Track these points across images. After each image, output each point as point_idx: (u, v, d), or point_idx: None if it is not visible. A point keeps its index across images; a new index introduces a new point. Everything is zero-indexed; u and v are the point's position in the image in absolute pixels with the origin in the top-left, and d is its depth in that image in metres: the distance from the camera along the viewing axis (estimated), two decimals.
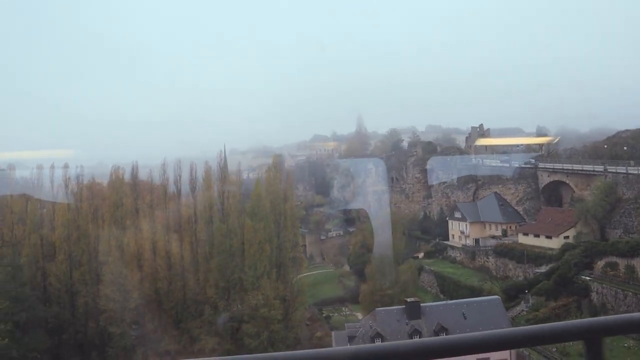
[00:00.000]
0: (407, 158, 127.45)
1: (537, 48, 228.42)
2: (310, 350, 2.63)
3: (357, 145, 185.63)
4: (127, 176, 73.59)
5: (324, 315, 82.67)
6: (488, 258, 78.72)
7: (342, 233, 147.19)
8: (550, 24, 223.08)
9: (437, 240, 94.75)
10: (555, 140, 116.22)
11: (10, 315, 58.45)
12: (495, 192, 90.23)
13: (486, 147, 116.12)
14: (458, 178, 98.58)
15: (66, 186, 71.59)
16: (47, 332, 64.83)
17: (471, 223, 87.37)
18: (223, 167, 68.78)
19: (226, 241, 64.58)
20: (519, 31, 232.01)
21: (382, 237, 65.26)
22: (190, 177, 70.25)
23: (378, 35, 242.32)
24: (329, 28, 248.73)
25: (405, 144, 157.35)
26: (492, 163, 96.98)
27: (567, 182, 79.93)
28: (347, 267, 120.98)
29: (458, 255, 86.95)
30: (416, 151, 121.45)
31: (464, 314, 53.69)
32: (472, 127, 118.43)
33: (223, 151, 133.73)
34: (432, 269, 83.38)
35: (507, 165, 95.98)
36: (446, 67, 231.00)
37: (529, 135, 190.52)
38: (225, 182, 68.39)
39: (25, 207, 72.16)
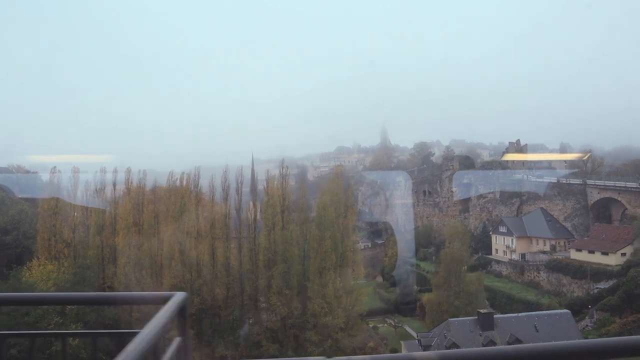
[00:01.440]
0: (441, 172, 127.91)
1: (557, 65, 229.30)
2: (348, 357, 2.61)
3: (383, 158, 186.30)
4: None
5: (370, 325, 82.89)
6: (539, 273, 78.97)
7: (370, 245, 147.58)
8: (571, 41, 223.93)
9: (480, 254, 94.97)
10: (585, 157, 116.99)
11: (82, 315, 59.34)
12: (542, 208, 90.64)
13: (523, 162, 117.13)
14: (501, 193, 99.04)
15: (128, 190, 72.77)
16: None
17: (518, 238, 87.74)
18: (284, 176, 69.57)
19: (290, 249, 65.27)
20: (539, 47, 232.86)
21: (450, 248, 65.76)
22: (251, 185, 71.29)
23: (401, 51, 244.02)
24: (352, 44, 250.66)
25: (435, 158, 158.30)
26: (534, 179, 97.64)
27: (619, 199, 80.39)
28: (379, 279, 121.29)
29: (504, 269, 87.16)
30: (452, 165, 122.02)
31: (535, 327, 54.12)
32: (510, 143, 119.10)
33: (252, 160, 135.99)
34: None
35: (543, 180, 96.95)
36: (467, 82, 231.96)
37: (552, 151, 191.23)
38: (286, 190, 69.24)
39: (86, 209, 73.42)
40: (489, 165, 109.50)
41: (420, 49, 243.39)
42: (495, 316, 54.57)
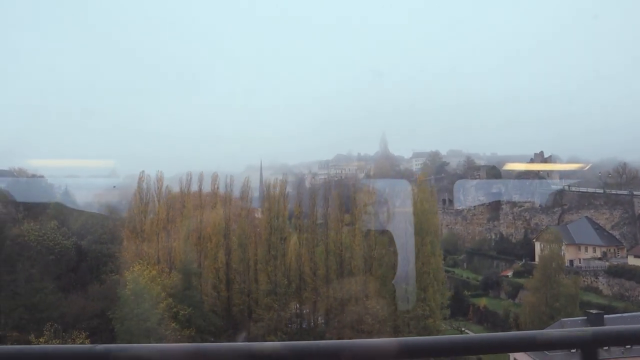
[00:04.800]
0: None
1: (558, 79, 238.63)
2: (357, 340, 2.85)
3: (386, 166, 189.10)
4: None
5: None
6: (597, 278, 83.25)
7: None
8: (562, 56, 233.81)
9: (525, 260, 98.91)
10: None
11: (192, 321, 59.20)
12: (587, 217, 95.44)
13: (548, 172, 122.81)
14: (542, 202, 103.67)
15: (215, 195, 72.69)
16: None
17: (566, 245, 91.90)
18: (373, 178, 71.21)
19: (389, 253, 67.02)
20: (542, 62, 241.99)
21: (549, 252, 69.02)
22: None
23: (405, 61, 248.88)
24: (356, 53, 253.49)
25: (451, 167, 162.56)
26: (575, 189, 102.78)
27: None
28: None
29: None
30: (479, 174, 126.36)
31: None
32: (535, 154, 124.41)
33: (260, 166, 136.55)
34: None
35: (587, 190, 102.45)
36: (468, 93, 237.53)
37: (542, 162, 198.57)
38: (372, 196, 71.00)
39: (167, 214, 72.55)
40: (524, 175, 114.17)
41: (423, 58, 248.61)
42: (605, 316, 57.63)
